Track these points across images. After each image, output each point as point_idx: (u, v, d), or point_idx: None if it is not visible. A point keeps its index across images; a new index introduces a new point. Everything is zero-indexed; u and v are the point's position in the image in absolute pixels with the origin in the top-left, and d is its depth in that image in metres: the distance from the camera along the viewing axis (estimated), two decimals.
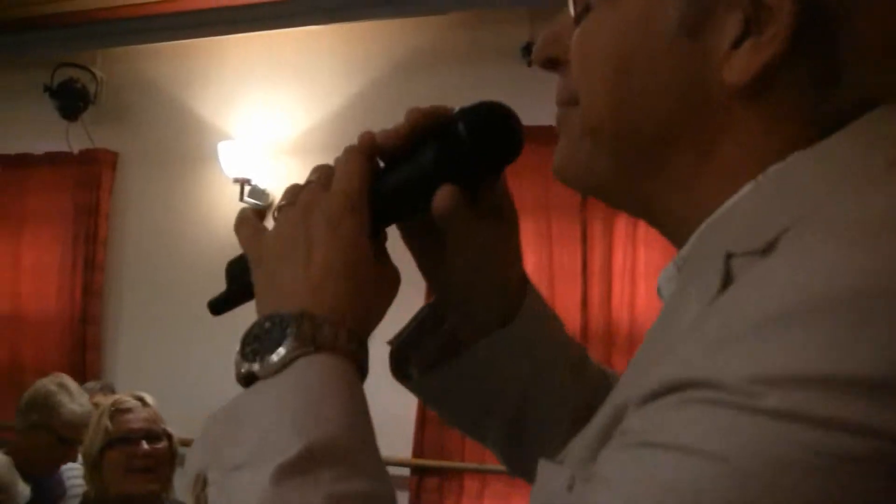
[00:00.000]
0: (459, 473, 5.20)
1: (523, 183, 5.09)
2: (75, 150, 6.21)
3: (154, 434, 2.93)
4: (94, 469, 2.91)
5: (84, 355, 5.97)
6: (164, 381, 5.13)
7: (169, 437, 2.98)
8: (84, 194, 6.18)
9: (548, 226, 5.12)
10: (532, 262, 5.08)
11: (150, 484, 2.90)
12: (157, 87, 6.12)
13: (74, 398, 3.69)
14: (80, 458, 3.79)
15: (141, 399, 3.02)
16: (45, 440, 3.55)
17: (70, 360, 6.00)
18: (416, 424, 5.21)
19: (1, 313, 6.37)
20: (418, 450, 5.21)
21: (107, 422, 2.90)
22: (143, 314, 6.05)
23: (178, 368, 5.60)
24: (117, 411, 2.94)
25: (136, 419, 2.94)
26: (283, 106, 5.77)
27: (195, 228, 5.91)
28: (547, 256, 5.10)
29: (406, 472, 5.25)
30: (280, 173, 5.69)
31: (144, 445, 2.89)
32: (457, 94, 4.80)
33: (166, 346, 5.88)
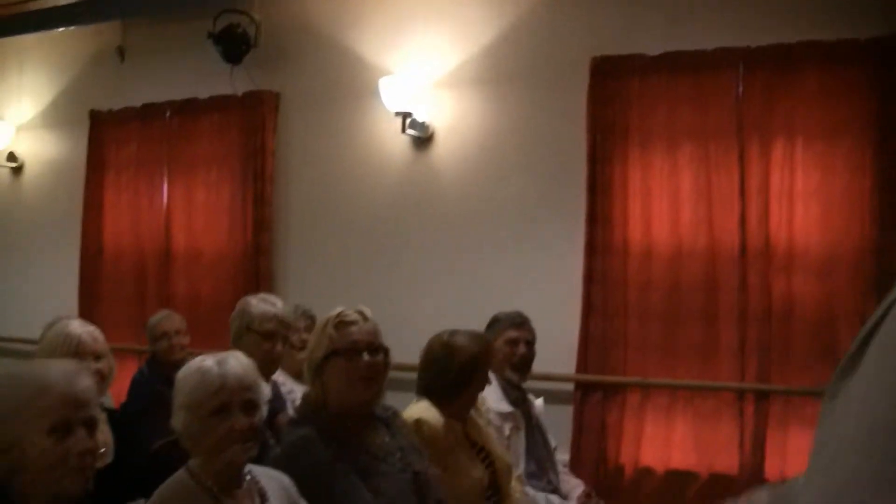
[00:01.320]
0: (621, 388, 5.46)
1: (680, 109, 5.28)
2: (239, 93, 6.57)
3: (374, 347, 3.22)
4: (316, 374, 3.22)
5: (257, 285, 6.40)
6: (330, 307, 5.45)
7: (385, 351, 3.28)
8: (250, 134, 6.59)
9: (705, 150, 5.27)
10: (689, 185, 5.27)
11: (367, 392, 3.21)
12: (314, 28, 6.44)
13: (266, 300, 4.06)
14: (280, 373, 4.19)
15: (362, 314, 3.30)
16: (251, 341, 3.91)
17: (244, 289, 6.40)
18: (579, 342, 5.47)
19: (178, 250, 6.89)
20: (581, 366, 5.47)
21: (332, 331, 3.21)
22: (310, 245, 6.47)
23: (342, 295, 5.91)
24: (341, 323, 3.23)
25: (360, 332, 3.22)
26: (439, 41, 6.03)
27: (358, 162, 6.26)
28: (705, 179, 5.26)
29: (570, 387, 5.52)
30: (439, 106, 5.97)
31: (366, 357, 3.19)
32: (608, 29, 5.03)
33: (331, 274, 6.28)
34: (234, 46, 6.50)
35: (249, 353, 3.12)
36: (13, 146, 7.97)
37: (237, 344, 3.98)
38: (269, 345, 4.00)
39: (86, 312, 7.14)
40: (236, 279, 6.55)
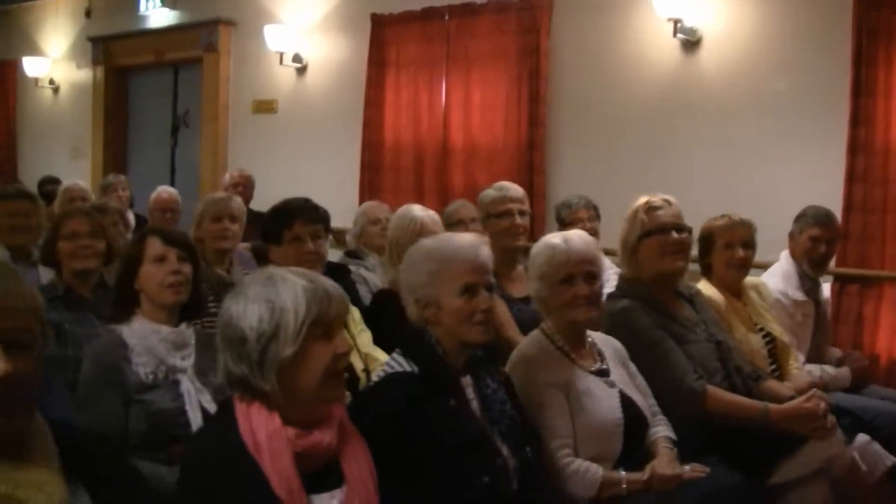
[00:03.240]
0: (878, 281, 5.82)
1: None
2: None
3: (680, 226, 3.84)
4: (631, 254, 3.86)
5: (532, 178, 7.07)
6: (600, 200, 6.01)
7: (689, 230, 3.88)
8: (525, 36, 7.20)
9: None
10: None
11: (677, 265, 3.82)
12: None
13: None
14: None
15: (667, 200, 3.91)
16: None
17: (519, 182, 7.03)
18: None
19: (455, 144, 7.62)
20: (841, 259, 5.85)
21: (643, 216, 3.84)
22: (581, 142, 7.08)
23: (611, 189, 6.45)
24: (651, 208, 3.86)
25: (666, 214, 3.85)
26: None
27: (628, 62, 6.81)
28: None
29: (829, 279, 5.89)
30: (706, 10, 6.37)
31: (674, 234, 3.79)
32: None
33: (600, 169, 6.86)
34: None
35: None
36: (297, 48, 8.84)
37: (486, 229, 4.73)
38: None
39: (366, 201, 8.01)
40: (511, 172, 7.18)
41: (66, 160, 11.56)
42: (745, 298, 4.39)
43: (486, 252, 2.92)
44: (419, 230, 4.39)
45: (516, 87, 7.25)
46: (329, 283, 2.28)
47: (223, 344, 2.25)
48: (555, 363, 3.21)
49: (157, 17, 10.59)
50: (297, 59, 8.87)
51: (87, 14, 11.55)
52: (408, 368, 2.73)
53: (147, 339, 3.15)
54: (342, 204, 8.13)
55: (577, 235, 3.40)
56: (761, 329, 4.28)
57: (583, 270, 3.27)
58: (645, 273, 3.82)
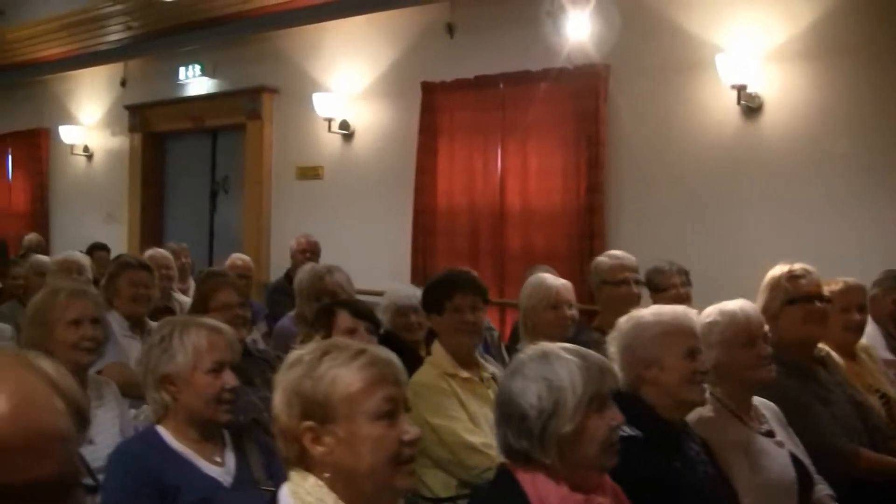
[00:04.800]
0: None
1: None
2: (571, 66, 7.31)
3: (822, 296, 3.97)
4: (772, 320, 3.97)
5: (591, 242, 7.18)
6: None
7: (829, 299, 4.03)
8: (583, 103, 7.36)
9: None
10: None
11: (822, 331, 3.95)
12: (642, 4, 7.10)
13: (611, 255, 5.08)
14: None
15: (807, 269, 4.05)
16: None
17: (578, 246, 7.26)
18: None
19: (512, 209, 7.75)
20: None
21: (786, 284, 3.99)
22: (640, 206, 7.21)
23: (673, 253, 6.52)
24: (793, 277, 4.01)
25: (809, 283, 3.99)
26: (770, 14, 6.57)
27: (688, 128, 6.95)
28: None
29: None
30: (769, 76, 6.55)
31: (817, 303, 3.94)
32: None
33: (662, 234, 6.95)
34: (565, 22, 7.23)
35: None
36: (344, 114, 9.01)
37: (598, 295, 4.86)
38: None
39: (419, 265, 8.16)
40: (570, 236, 7.35)
41: (100, 225, 11.70)
42: (859, 360, 4.51)
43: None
44: (555, 299, 4.48)
45: (574, 152, 7.40)
46: (600, 359, 2.40)
47: (503, 419, 2.39)
48: (731, 425, 3.31)
49: (197, 85, 10.80)
50: (343, 125, 9.04)
51: (123, 83, 11.78)
52: (629, 433, 2.83)
53: None
54: (392, 267, 8.29)
55: (741, 301, 3.53)
56: (877, 390, 4.39)
57: (762, 332, 3.42)
58: (786, 339, 3.93)
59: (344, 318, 3.41)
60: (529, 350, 2.48)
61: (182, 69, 10.87)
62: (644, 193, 7.19)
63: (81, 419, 1.20)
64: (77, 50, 11.55)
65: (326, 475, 1.97)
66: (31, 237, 10.80)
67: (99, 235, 10.23)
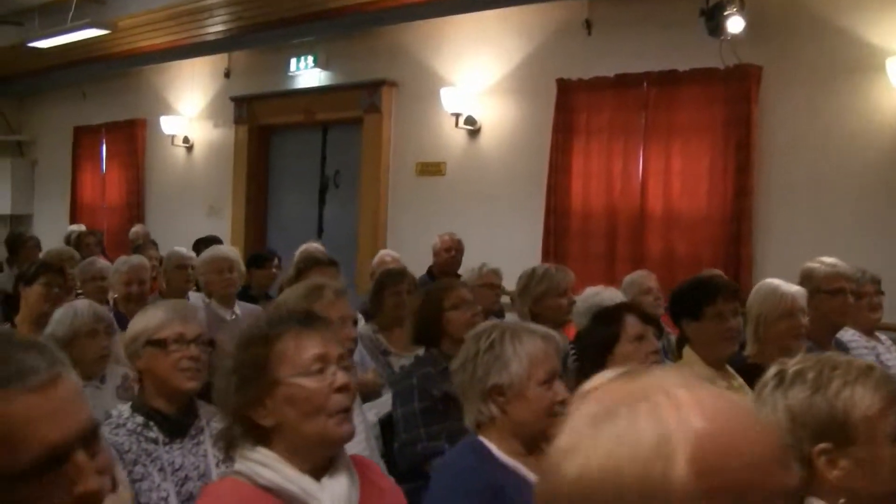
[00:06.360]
0: None
1: None
2: (722, 66, 7.17)
3: None
4: None
5: (738, 249, 7.07)
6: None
7: None
8: (733, 106, 7.21)
9: None
10: None
11: None
12: (801, 4, 6.97)
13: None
14: None
15: None
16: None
17: (724, 253, 7.14)
18: None
19: (654, 212, 7.64)
20: None
21: None
22: (791, 213, 7.06)
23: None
24: None
25: None
26: None
27: (848, 134, 6.77)
28: None
29: None
30: None
31: None
32: None
33: (813, 241, 6.74)
34: (721, 22, 7.09)
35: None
36: (471, 110, 8.94)
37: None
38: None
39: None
40: (715, 241, 7.23)
41: (199, 218, 11.71)
42: None
43: None
44: (790, 306, 4.33)
45: (722, 156, 7.25)
46: None
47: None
48: None
49: (308, 77, 10.77)
50: (469, 121, 8.97)
51: (227, 74, 11.80)
52: None
53: None
54: (520, 268, 8.15)
55: None
56: None
57: None
58: None
59: (633, 324, 3.33)
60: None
61: (293, 61, 10.83)
62: (795, 200, 7.03)
63: None
64: (182, 40, 11.53)
65: (841, 501, 1.85)
66: (138, 229, 10.85)
67: (198, 229, 10.21)
